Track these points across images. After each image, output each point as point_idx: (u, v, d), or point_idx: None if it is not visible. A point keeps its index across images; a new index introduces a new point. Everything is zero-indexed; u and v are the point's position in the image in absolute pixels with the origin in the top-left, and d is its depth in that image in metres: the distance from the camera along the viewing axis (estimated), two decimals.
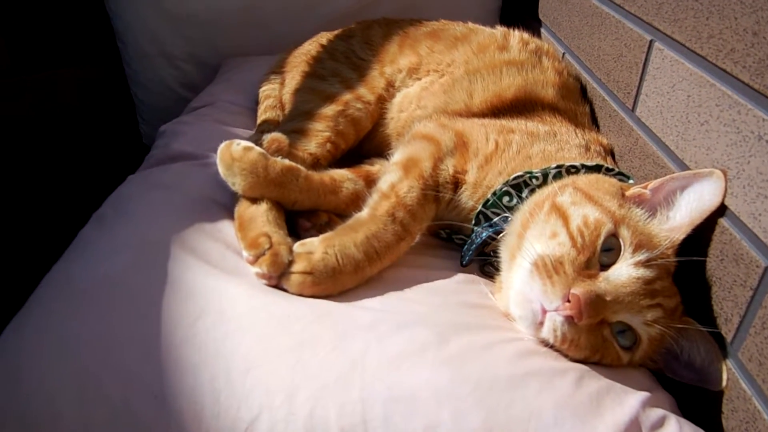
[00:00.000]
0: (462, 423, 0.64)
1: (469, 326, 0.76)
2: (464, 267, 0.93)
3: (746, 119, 0.70)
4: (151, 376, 0.69)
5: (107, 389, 0.69)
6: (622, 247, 0.73)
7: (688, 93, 0.83)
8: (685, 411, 0.76)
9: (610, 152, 1.06)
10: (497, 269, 0.89)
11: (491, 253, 0.91)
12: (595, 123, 1.16)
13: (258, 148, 0.92)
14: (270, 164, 0.91)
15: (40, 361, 0.71)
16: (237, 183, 0.91)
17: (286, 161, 0.94)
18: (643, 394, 0.69)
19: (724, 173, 0.73)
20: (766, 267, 0.66)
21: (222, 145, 0.93)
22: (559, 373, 0.70)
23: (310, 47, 1.37)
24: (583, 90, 1.22)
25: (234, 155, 0.91)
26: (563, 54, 1.36)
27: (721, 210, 0.74)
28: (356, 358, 0.70)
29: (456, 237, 0.99)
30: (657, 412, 0.68)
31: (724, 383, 0.72)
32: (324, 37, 1.38)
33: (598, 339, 0.72)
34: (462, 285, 0.89)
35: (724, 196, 0.73)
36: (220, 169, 0.92)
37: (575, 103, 1.13)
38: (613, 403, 0.68)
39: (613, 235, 0.74)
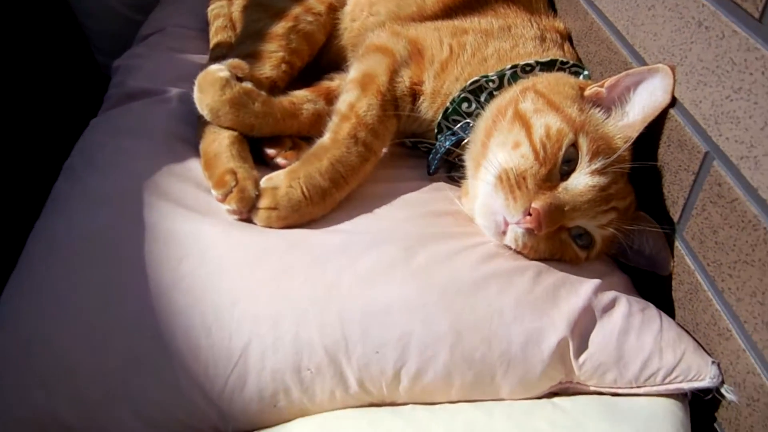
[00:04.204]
0: (431, 329, 0.71)
1: (435, 236, 0.81)
2: (431, 176, 0.96)
3: (688, 4, 0.70)
4: (147, 321, 0.74)
5: (111, 338, 0.74)
6: (580, 156, 0.75)
7: None
8: (640, 287, 0.83)
9: (567, 37, 1.05)
10: (463, 175, 0.92)
11: (456, 160, 0.93)
12: (552, 7, 1.13)
13: (227, 72, 0.93)
14: (230, 84, 0.92)
15: (45, 322, 0.75)
16: (203, 99, 0.92)
17: (248, 84, 0.94)
18: (595, 282, 0.76)
19: (672, 69, 0.74)
20: (706, 152, 0.69)
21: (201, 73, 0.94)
22: (519, 272, 0.76)
23: None
24: None
25: (208, 71, 0.93)
26: None
27: (673, 103, 0.75)
28: (331, 281, 0.75)
29: (421, 145, 1.01)
30: (608, 295, 0.75)
31: (670, 269, 0.78)
32: None
33: (556, 243, 0.77)
34: (429, 194, 0.93)
35: (673, 92, 0.74)
36: (195, 90, 0.94)
37: None
38: (568, 294, 0.74)
39: (573, 145, 0.76)
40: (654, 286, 0.83)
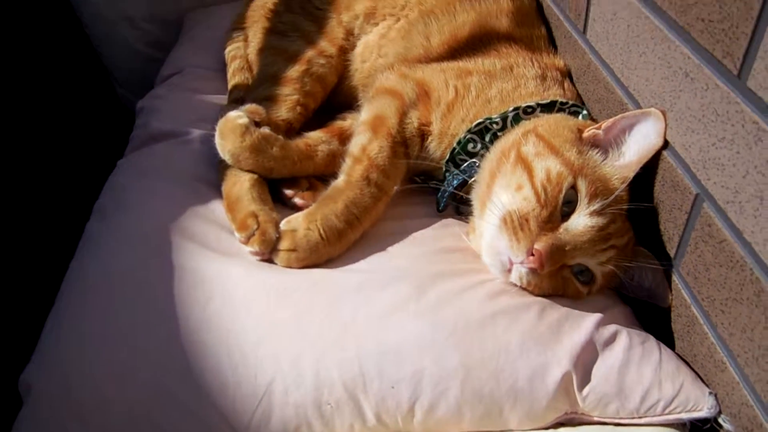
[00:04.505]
0: (443, 365, 0.76)
1: (445, 274, 0.86)
2: (440, 212, 1.01)
3: (675, 55, 0.74)
4: (178, 360, 0.80)
5: (142, 374, 0.80)
6: (579, 198, 0.80)
7: (628, 22, 0.86)
8: (643, 318, 0.87)
9: (567, 74, 1.10)
10: (470, 212, 0.96)
11: (463, 198, 0.98)
12: (553, 43, 1.18)
13: (247, 120, 0.98)
14: (250, 131, 0.97)
15: (80, 356, 0.81)
16: (224, 145, 0.98)
17: (265, 130, 1.00)
18: (597, 316, 0.80)
19: (663, 113, 0.78)
20: (697, 194, 0.74)
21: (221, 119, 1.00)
22: (524, 308, 0.80)
23: None
24: (540, 7, 1.23)
25: (228, 118, 0.99)
26: None
27: (665, 145, 0.80)
28: (348, 320, 0.80)
29: (431, 182, 1.06)
30: (610, 329, 0.80)
31: (669, 302, 0.82)
32: None
33: (558, 280, 0.82)
34: (439, 230, 0.98)
35: (665, 135, 0.79)
36: (216, 137, 1.00)
37: (531, 27, 1.15)
38: (571, 329, 0.79)
39: (573, 187, 0.80)
40: (655, 318, 0.87)
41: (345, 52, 1.21)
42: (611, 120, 0.85)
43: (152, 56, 1.71)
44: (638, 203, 0.83)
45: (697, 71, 0.70)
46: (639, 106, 0.86)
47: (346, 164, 0.97)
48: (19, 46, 1.58)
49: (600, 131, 0.86)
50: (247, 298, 0.85)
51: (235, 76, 1.29)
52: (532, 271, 0.79)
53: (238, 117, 0.99)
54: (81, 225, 1.04)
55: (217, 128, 1.00)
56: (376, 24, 1.20)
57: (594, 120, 1.01)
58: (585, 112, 0.97)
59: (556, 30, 1.17)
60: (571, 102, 0.98)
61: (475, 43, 1.10)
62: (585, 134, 0.87)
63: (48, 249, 1.31)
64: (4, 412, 0.85)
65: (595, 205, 0.79)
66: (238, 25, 1.40)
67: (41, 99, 1.66)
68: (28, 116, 1.61)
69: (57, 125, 1.71)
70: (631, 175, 0.82)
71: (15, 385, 0.83)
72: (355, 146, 0.98)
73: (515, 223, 0.79)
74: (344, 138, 1.09)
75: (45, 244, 1.41)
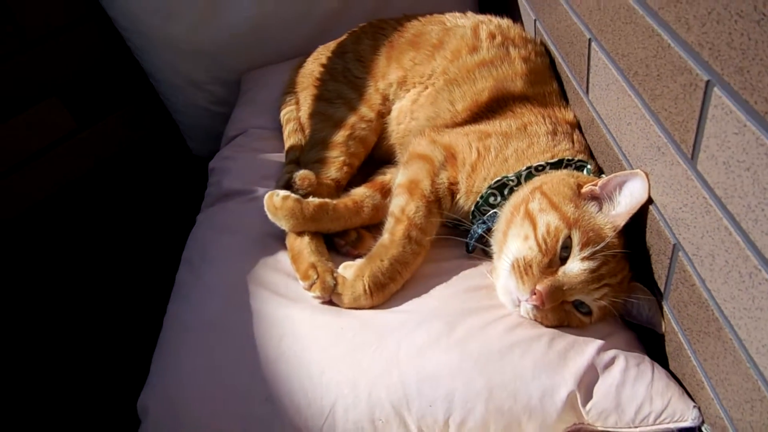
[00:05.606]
0: (470, 387, 0.94)
1: (471, 311, 1.04)
2: (469, 254, 1.19)
3: (650, 131, 0.91)
4: (261, 387, 1.01)
5: (234, 404, 1.01)
6: (572, 247, 0.96)
7: (617, 95, 1.02)
8: (648, 340, 1.03)
9: (576, 126, 1.26)
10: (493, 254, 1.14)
11: (486, 243, 1.16)
12: (564, 96, 1.34)
13: (293, 196, 1.19)
14: (304, 207, 1.18)
15: (185, 394, 1.02)
16: (283, 224, 1.19)
17: (317, 200, 1.21)
18: (598, 343, 0.97)
19: (646, 174, 0.94)
20: (674, 244, 0.89)
21: (266, 197, 1.20)
22: (536, 339, 0.98)
23: (312, 67, 1.58)
24: (552, 62, 1.39)
25: (276, 205, 1.18)
26: (534, 21, 1.50)
27: (651, 200, 0.96)
28: (392, 352, 1.00)
29: (460, 226, 1.24)
30: (609, 354, 0.96)
31: (663, 329, 0.98)
32: (323, 55, 1.58)
33: (561, 313, 0.99)
34: (467, 270, 1.16)
35: (649, 192, 0.95)
36: (269, 215, 1.20)
37: (543, 84, 1.31)
38: (576, 354, 0.95)
39: (569, 237, 0.97)
40: (656, 340, 1.03)
41: (382, 115, 1.41)
42: (606, 178, 1.01)
43: (218, 112, 1.96)
44: (632, 247, 0.99)
45: (666, 148, 0.86)
46: (630, 164, 1.02)
47: (389, 223, 1.16)
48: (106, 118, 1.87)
49: (596, 188, 1.02)
50: (312, 336, 1.05)
51: (290, 138, 1.50)
52: (536, 307, 0.96)
53: (285, 197, 1.17)
54: (169, 264, 1.30)
55: (269, 211, 1.18)
56: (408, 90, 1.40)
57: (600, 169, 1.17)
58: (589, 166, 1.13)
59: (566, 84, 1.33)
60: (577, 158, 1.14)
61: (494, 106, 1.27)
62: (584, 190, 1.03)
63: (147, 286, 1.58)
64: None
65: (587, 252, 0.95)
66: (290, 89, 1.62)
67: (130, 161, 1.95)
68: (121, 174, 1.91)
69: (140, 179, 2.00)
70: (622, 223, 0.98)
71: (132, 407, 1.06)
72: (395, 207, 1.17)
73: (521, 269, 0.97)
74: (385, 192, 1.29)
75: (143, 282, 1.68)
